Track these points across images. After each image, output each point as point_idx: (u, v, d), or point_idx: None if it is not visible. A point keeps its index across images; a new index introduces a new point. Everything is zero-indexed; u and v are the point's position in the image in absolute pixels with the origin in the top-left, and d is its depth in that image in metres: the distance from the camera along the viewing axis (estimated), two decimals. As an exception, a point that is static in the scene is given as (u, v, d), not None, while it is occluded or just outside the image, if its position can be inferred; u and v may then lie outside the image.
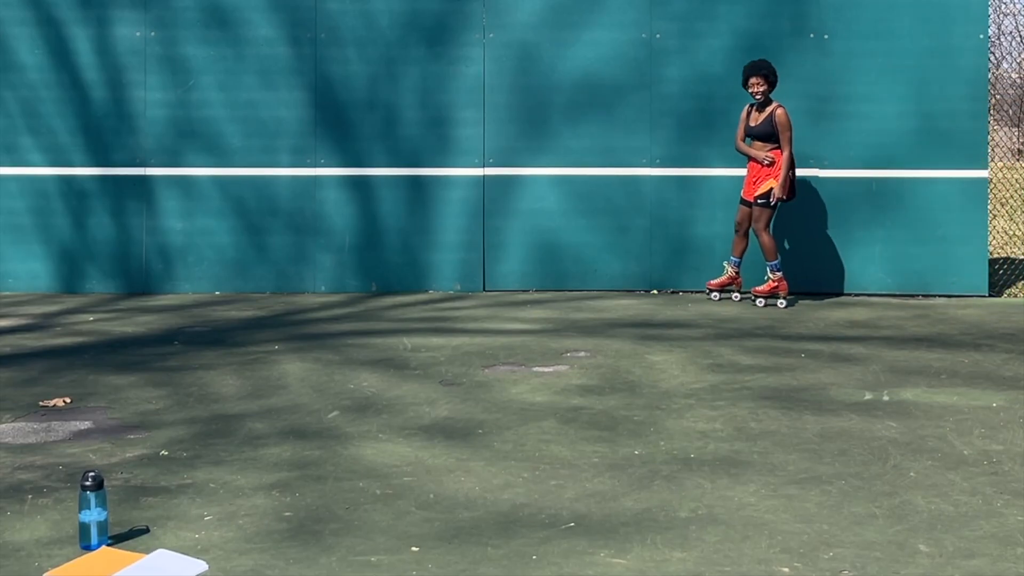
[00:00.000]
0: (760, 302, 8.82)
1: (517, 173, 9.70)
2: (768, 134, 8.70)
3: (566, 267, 9.67)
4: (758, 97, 8.70)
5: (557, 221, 9.67)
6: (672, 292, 9.60)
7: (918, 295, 9.49)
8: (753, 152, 8.77)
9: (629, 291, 9.65)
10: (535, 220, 9.71)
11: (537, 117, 9.71)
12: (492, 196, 9.69)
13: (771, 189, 8.64)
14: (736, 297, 9.04)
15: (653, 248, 9.65)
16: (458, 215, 9.72)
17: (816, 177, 9.53)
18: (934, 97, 9.46)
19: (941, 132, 9.46)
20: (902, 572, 3.63)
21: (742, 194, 8.89)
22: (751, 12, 9.56)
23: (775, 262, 8.76)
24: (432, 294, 9.61)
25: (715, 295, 9.11)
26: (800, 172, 9.57)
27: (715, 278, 9.33)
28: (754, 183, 8.77)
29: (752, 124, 8.76)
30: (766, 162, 8.67)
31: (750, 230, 8.86)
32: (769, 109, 8.73)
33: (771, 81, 8.70)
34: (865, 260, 9.54)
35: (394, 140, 9.74)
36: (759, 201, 8.67)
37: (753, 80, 8.69)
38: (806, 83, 9.52)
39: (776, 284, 8.82)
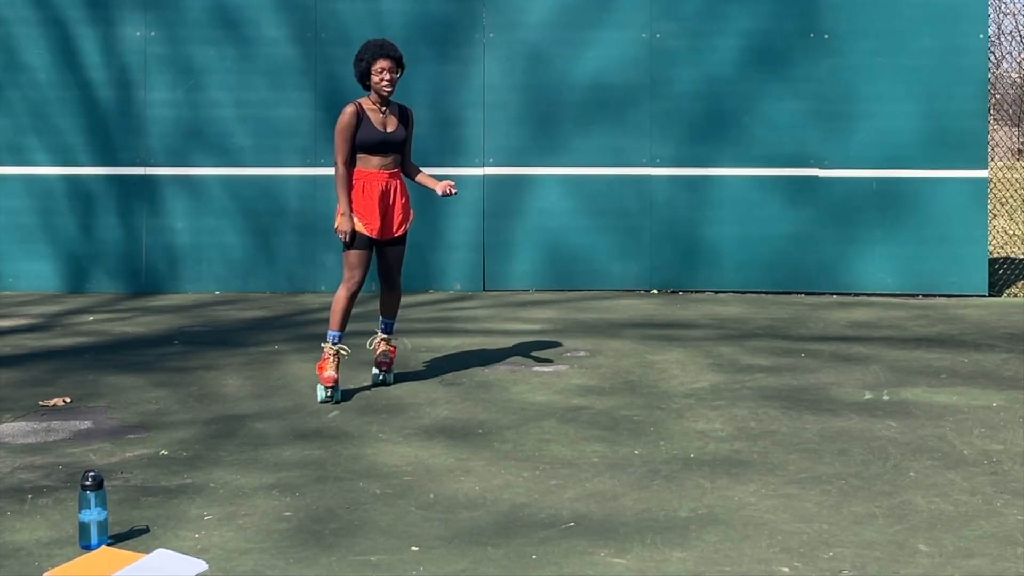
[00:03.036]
0: (392, 378, 6.25)
1: (521, 173, 9.70)
2: (403, 142, 6.00)
3: (570, 267, 9.67)
4: (388, 90, 5.88)
5: (561, 221, 9.67)
6: (673, 292, 9.60)
7: (918, 295, 9.49)
8: (384, 170, 5.95)
9: (634, 291, 9.65)
10: (539, 220, 9.71)
11: (542, 117, 9.71)
12: (495, 196, 9.69)
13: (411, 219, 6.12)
14: (379, 378, 6.24)
15: (659, 248, 9.65)
16: (462, 215, 9.72)
17: (816, 177, 9.52)
18: (935, 97, 9.46)
19: (942, 132, 9.46)
20: (902, 572, 3.63)
21: (368, 232, 5.94)
22: (757, 13, 9.56)
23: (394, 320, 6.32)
24: (434, 294, 9.62)
25: (379, 375, 6.25)
26: (801, 172, 9.58)
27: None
28: (385, 215, 5.97)
29: (385, 130, 5.92)
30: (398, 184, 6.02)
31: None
32: (397, 110, 6.03)
33: (403, 68, 5.98)
34: (865, 260, 9.53)
35: (396, 140, 9.74)
36: (399, 239, 6.06)
37: (383, 64, 5.83)
38: (809, 83, 9.52)
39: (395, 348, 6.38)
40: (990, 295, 9.52)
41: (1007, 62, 22.23)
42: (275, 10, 9.71)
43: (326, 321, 8.44)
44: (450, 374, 6.48)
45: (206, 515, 4.18)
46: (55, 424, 5.46)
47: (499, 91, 9.70)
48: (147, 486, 4.52)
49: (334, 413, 5.66)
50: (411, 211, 6.09)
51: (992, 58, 10.51)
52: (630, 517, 4.14)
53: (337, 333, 5.97)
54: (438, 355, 6.97)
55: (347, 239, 5.92)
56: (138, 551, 3.78)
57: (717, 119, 9.58)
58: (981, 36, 9.48)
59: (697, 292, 9.59)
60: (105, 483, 4.09)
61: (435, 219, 9.73)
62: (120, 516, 4.12)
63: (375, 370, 6.26)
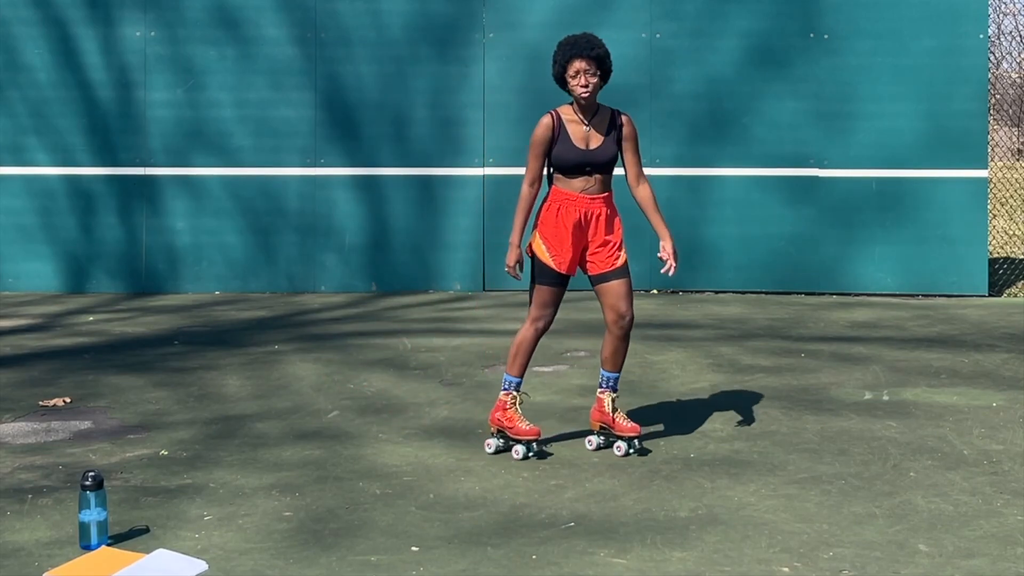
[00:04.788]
0: (632, 447, 4.97)
1: (521, 173, 9.59)
2: (611, 161, 4.98)
3: (567, 267, 9.66)
4: (585, 96, 4.87)
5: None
6: (673, 292, 9.59)
7: (918, 295, 9.49)
8: (585, 195, 4.97)
9: (634, 291, 9.64)
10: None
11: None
12: (495, 196, 9.68)
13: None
14: (621, 449, 4.97)
15: (658, 248, 9.62)
16: (462, 215, 9.71)
17: (816, 177, 9.52)
18: (935, 97, 9.46)
19: (942, 132, 9.46)
20: (902, 572, 3.63)
21: (555, 267, 5.03)
22: (757, 13, 9.56)
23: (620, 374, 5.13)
24: (434, 294, 9.61)
25: (594, 441, 5.07)
26: (801, 172, 9.58)
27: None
28: (597, 247, 5.09)
29: (587, 146, 4.92)
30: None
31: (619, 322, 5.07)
32: (607, 118, 5.01)
33: (608, 69, 4.94)
34: (866, 260, 9.53)
35: (399, 140, 9.74)
36: (621, 271, 5.11)
37: (578, 65, 4.83)
38: (809, 83, 9.52)
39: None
40: (990, 295, 9.52)
41: (1007, 62, 22.23)
42: (275, 10, 9.71)
43: (326, 322, 8.48)
44: (450, 374, 6.48)
45: (206, 515, 4.18)
46: (55, 424, 5.46)
47: (499, 91, 9.69)
48: (147, 486, 4.52)
49: (334, 413, 5.65)
50: (620, 238, 5.09)
51: (992, 58, 10.51)
52: (630, 517, 4.14)
53: (518, 379, 4.98)
54: (438, 355, 6.97)
55: (516, 274, 4.97)
56: (138, 551, 3.78)
57: (717, 119, 9.58)
58: (981, 36, 9.48)
59: (697, 292, 9.59)
60: (105, 483, 4.09)
61: (435, 219, 9.73)
62: (120, 516, 4.12)
63: (604, 437, 5.06)
